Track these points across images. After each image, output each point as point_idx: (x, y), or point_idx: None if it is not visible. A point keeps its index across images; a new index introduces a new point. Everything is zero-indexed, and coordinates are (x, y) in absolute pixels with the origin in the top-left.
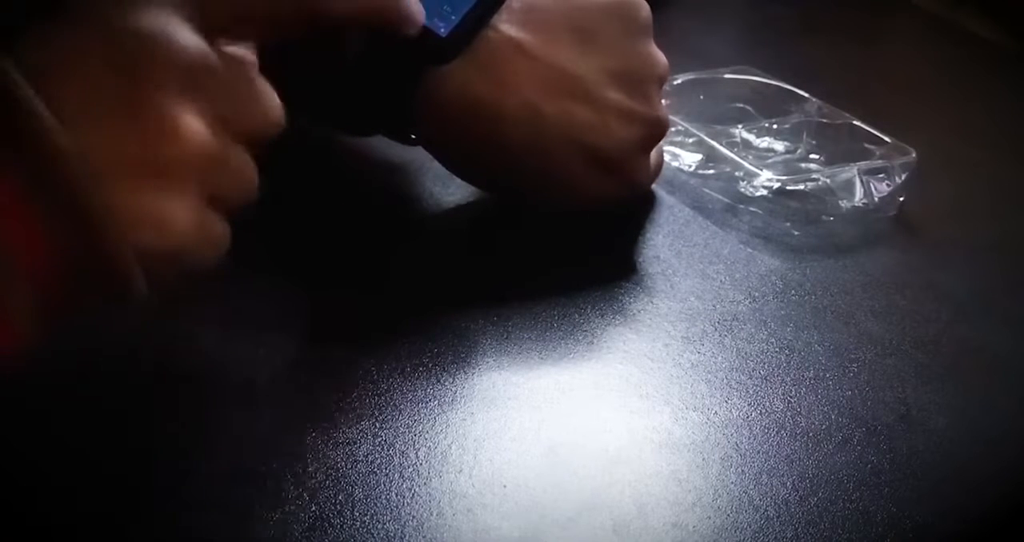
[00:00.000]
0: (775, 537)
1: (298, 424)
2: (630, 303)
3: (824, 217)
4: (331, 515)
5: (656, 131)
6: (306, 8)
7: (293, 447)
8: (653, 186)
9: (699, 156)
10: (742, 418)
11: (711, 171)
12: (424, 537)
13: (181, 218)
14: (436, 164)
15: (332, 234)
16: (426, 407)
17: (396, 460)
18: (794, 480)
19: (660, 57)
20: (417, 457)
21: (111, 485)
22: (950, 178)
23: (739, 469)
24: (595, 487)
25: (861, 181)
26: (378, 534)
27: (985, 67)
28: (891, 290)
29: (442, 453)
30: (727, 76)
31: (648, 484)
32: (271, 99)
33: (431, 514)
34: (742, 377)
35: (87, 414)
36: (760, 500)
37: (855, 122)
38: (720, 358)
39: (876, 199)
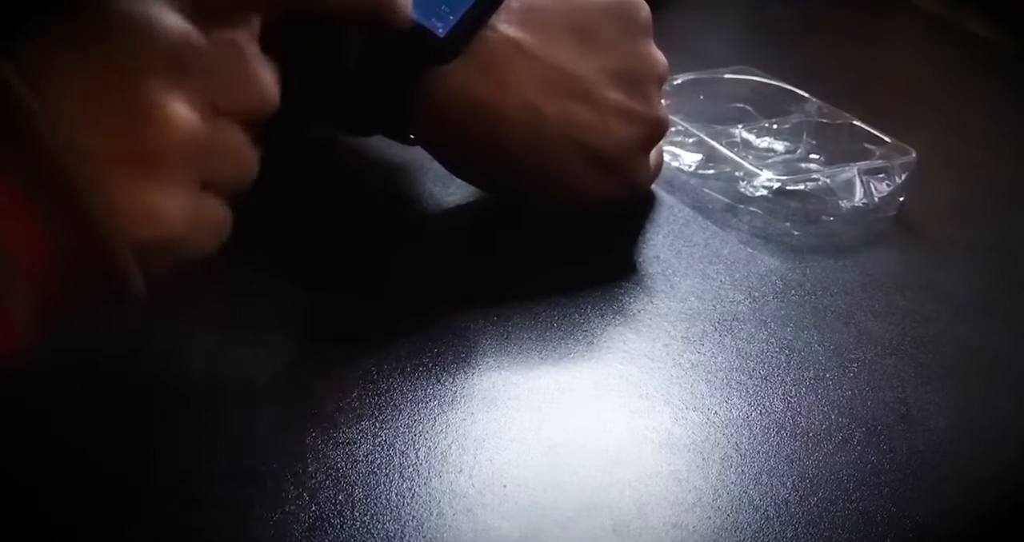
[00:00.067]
0: (775, 537)
1: (298, 424)
2: (630, 303)
3: (824, 217)
4: (331, 515)
5: (656, 131)
6: None
7: (293, 447)
8: (653, 186)
9: (699, 156)
10: (742, 418)
11: (711, 171)
12: (424, 537)
13: (171, 208)
14: (436, 164)
15: (332, 234)
16: (426, 407)
17: (396, 460)
18: (794, 480)
19: (660, 57)
20: (417, 457)
21: (111, 485)
22: (950, 178)
23: (739, 469)
24: (595, 487)
25: (861, 181)
26: (378, 534)
27: (985, 67)
28: (891, 290)
29: (442, 453)
30: (727, 76)
31: (648, 484)
32: (265, 78)
33: (431, 514)
34: (742, 377)
35: (87, 414)
36: (760, 500)
37: (855, 122)
38: (720, 358)
39: (876, 199)
